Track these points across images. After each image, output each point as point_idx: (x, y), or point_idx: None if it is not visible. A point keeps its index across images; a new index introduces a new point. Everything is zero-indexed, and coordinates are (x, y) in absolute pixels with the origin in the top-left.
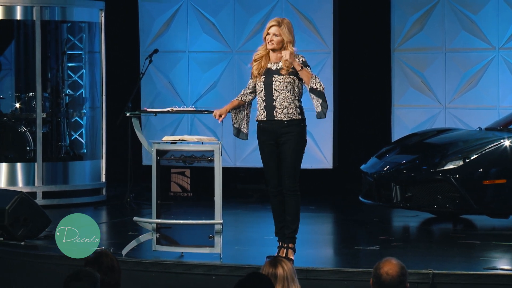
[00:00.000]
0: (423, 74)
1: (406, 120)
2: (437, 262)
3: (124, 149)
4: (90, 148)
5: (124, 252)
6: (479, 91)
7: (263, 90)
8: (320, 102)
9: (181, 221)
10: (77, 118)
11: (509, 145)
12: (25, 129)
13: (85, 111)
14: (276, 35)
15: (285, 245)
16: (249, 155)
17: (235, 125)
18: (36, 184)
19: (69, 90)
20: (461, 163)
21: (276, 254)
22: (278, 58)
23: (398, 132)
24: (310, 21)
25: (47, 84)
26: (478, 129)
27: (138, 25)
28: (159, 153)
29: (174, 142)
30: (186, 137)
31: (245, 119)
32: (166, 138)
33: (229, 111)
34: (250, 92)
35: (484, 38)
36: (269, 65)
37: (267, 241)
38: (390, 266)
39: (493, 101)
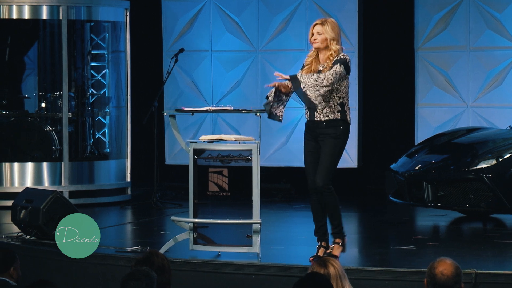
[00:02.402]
0: (447, 73)
1: (430, 119)
2: (477, 261)
3: (146, 148)
4: (116, 148)
5: (161, 251)
6: (504, 89)
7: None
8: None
9: (220, 221)
10: (100, 117)
11: None
12: (51, 129)
13: (108, 110)
14: (320, 34)
15: (334, 240)
16: (273, 155)
17: (269, 98)
18: (62, 183)
19: (92, 90)
20: (494, 162)
21: (315, 254)
22: (324, 59)
23: (421, 131)
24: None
25: (72, 84)
26: (508, 128)
27: (161, 24)
28: (196, 152)
29: (211, 142)
30: (223, 136)
31: (282, 103)
32: (203, 138)
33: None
34: None
35: (509, 36)
36: (319, 67)
37: (301, 241)
38: (445, 266)
39: None
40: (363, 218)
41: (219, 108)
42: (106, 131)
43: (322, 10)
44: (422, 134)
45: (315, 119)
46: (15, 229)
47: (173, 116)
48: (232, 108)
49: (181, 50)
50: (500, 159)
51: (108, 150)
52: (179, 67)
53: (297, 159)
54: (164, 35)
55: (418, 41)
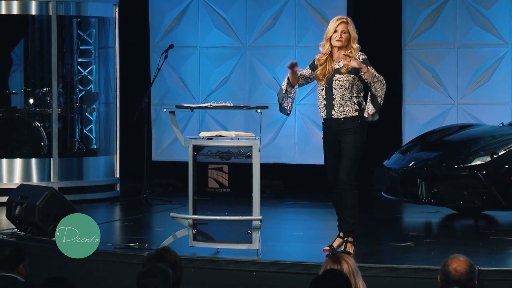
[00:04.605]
0: (435, 70)
1: (417, 116)
2: (478, 258)
3: (131, 144)
4: (104, 144)
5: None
6: (491, 86)
7: (324, 89)
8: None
9: (219, 217)
10: (87, 113)
11: None
12: (39, 125)
13: (95, 107)
14: (345, 32)
15: (345, 239)
16: (261, 151)
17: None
18: (51, 180)
19: (79, 86)
20: (488, 159)
21: (331, 244)
22: (340, 57)
23: (409, 127)
24: (323, 16)
25: (60, 80)
26: (500, 125)
27: (148, 20)
28: (195, 149)
29: (210, 138)
30: (223, 132)
31: (290, 97)
32: (203, 134)
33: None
34: (302, 78)
35: (496, 33)
36: (334, 65)
37: (298, 237)
38: (458, 263)
39: (506, 97)
40: None
41: (219, 104)
42: (93, 127)
43: (310, 6)
44: (409, 130)
45: (332, 116)
46: (8, 225)
47: (172, 113)
48: (232, 105)
49: (171, 46)
50: (495, 156)
51: (95, 146)
52: (166, 63)
53: (286, 155)
54: (151, 31)
55: (406, 37)
